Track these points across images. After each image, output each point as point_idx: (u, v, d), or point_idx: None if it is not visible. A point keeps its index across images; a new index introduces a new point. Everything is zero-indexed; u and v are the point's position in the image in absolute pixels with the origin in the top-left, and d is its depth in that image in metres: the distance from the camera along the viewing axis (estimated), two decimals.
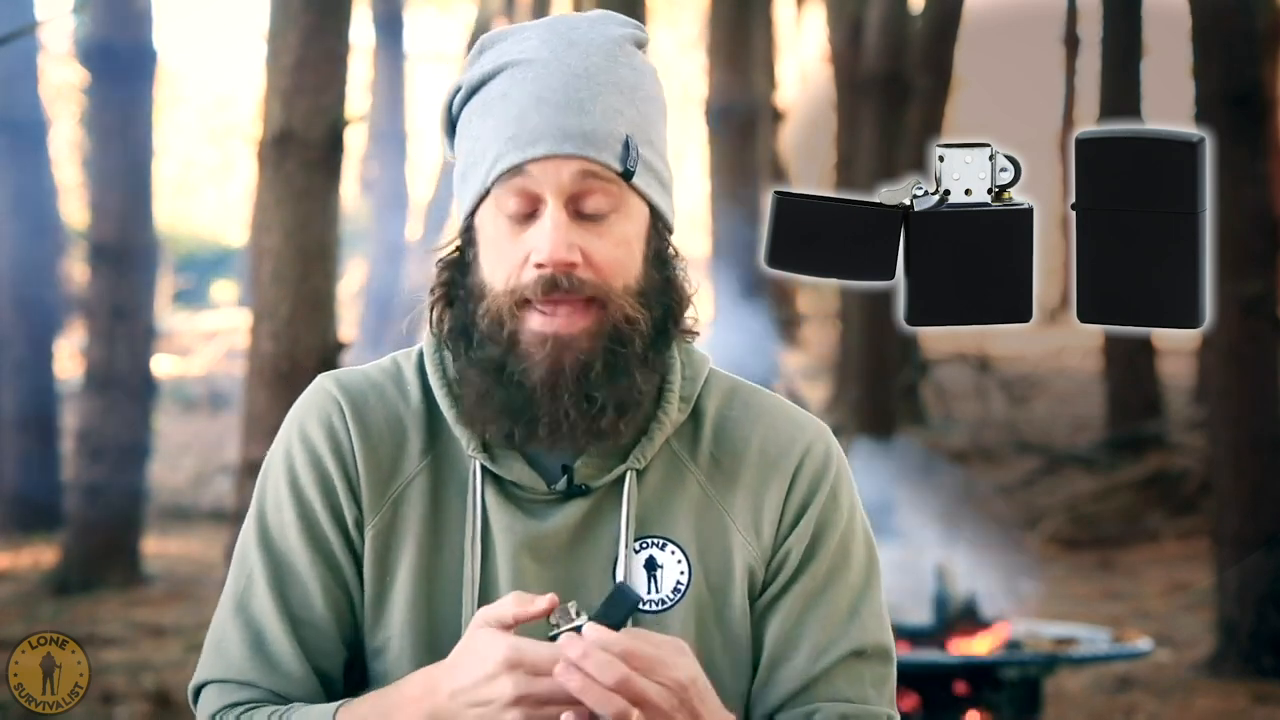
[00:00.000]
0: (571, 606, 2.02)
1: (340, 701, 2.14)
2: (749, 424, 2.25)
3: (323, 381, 2.25)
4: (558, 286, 2.11)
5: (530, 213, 2.13)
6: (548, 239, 2.10)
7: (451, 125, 2.22)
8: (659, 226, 2.19)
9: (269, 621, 2.20)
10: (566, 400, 2.13)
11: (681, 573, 2.19)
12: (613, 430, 2.14)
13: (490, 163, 2.14)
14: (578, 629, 1.99)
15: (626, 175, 2.13)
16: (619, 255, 2.14)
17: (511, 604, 2.04)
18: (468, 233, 2.19)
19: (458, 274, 2.19)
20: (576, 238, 2.11)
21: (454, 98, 2.21)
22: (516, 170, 2.12)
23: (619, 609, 2.01)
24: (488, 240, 2.16)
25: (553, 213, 2.11)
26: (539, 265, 2.11)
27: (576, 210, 2.13)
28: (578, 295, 2.12)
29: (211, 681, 2.23)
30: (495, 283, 2.14)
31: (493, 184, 2.14)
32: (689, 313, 2.21)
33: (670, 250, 2.20)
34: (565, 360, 2.12)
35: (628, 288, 2.14)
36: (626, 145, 2.13)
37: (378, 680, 2.21)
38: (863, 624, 2.23)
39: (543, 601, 2.03)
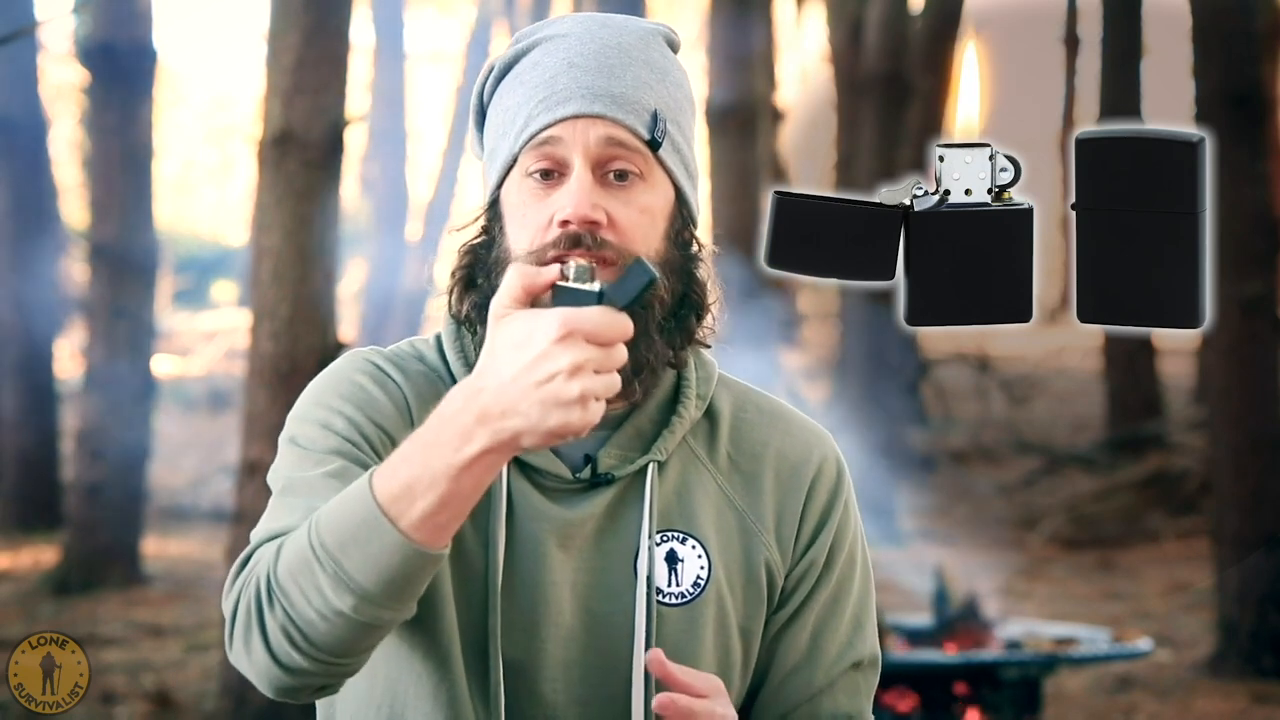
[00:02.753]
0: (585, 266, 1.96)
1: (368, 471, 1.98)
2: (765, 428, 2.27)
3: (360, 351, 2.22)
4: (580, 243, 2.12)
5: (557, 177, 2.15)
6: (572, 197, 2.12)
7: (482, 114, 2.24)
8: (683, 212, 2.21)
9: (319, 487, 2.09)
10: None
11: (702, 567, 2.20)
12: (626, 390, 2.12)
13: (520, 127, 2.16)
14: (596, 296, 1.93)
15: (653, 145, 2.16)
16: (642, 221, 2.15)
17: (518, 278, 1.97)
18: (493, 207, 2.20)
19: (482, 254, 2.20)
20: (600, 199, 2.13)
21: (485, 80, 2.24)
22: (545, 134, 2.14)
23: (633, 285, 1.95)
24: (513, 208, 2.17)
25: (579, 173, 2.13)
26: (563, 223, 2.12)
27: (602, 175, 2.14)
28: (599, 253, 2.12)
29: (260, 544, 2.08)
30: (519, 246, 2.15)
31: (521, 150, 2.16)
32: (708, 313, 2.21)
33: (693, 241, 2.21)
34: None
35: (648, 256, 2.14)
36: (655, 116, 2.16)
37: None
38: (864, 635, 2.27)
39: (550, 271, 1.98)
